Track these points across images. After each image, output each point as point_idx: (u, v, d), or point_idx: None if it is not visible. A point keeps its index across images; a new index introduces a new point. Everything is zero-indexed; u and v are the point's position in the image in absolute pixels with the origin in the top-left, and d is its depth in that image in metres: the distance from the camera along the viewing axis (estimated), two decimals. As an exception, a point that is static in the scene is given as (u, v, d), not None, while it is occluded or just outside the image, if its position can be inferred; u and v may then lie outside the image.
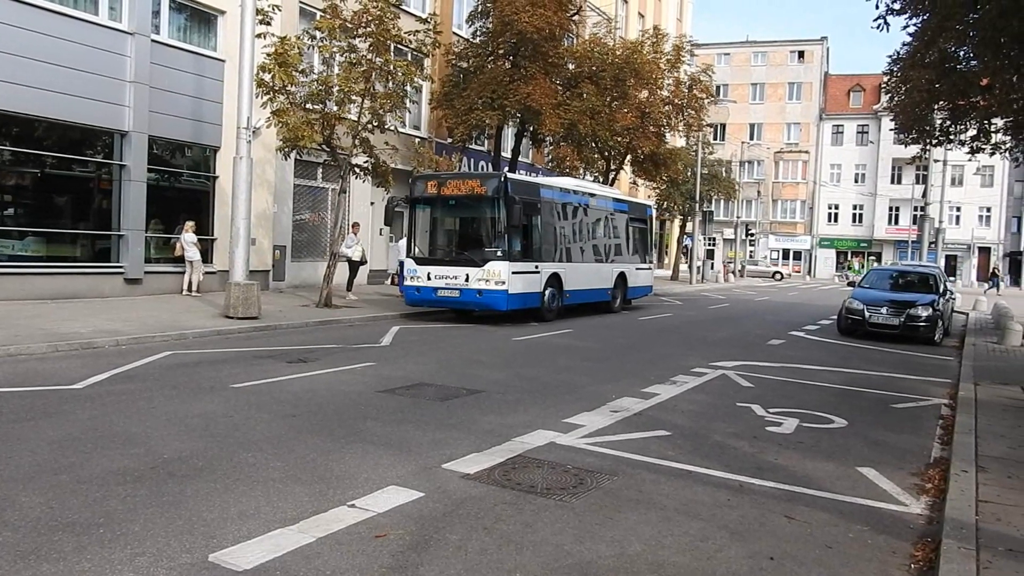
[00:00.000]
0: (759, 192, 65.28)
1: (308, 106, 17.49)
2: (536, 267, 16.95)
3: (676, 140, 38.75)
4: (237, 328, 13.30)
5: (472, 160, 28.39)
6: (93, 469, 5.49)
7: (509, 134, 28.26)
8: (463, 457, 6.17)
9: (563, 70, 25.61)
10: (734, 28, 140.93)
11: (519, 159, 27.33)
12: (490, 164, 26.75)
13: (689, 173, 41.02)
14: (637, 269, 22.91)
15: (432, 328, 15.54)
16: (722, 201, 56.82)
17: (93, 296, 16.58)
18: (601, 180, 31.73)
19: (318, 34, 18.11)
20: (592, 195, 20.57)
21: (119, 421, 6.91)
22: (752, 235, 62.53)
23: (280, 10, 17.73)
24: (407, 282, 16.72)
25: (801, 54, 70.09)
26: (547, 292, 17.35)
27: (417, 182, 17.12)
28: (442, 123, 25.92)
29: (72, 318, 13.12)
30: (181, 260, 18.19)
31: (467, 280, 15.87)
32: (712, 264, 53.89)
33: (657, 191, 41.39)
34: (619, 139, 27.75)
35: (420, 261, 16.63)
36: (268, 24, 16.15)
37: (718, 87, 55.82)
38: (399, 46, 20.13)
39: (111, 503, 4.85)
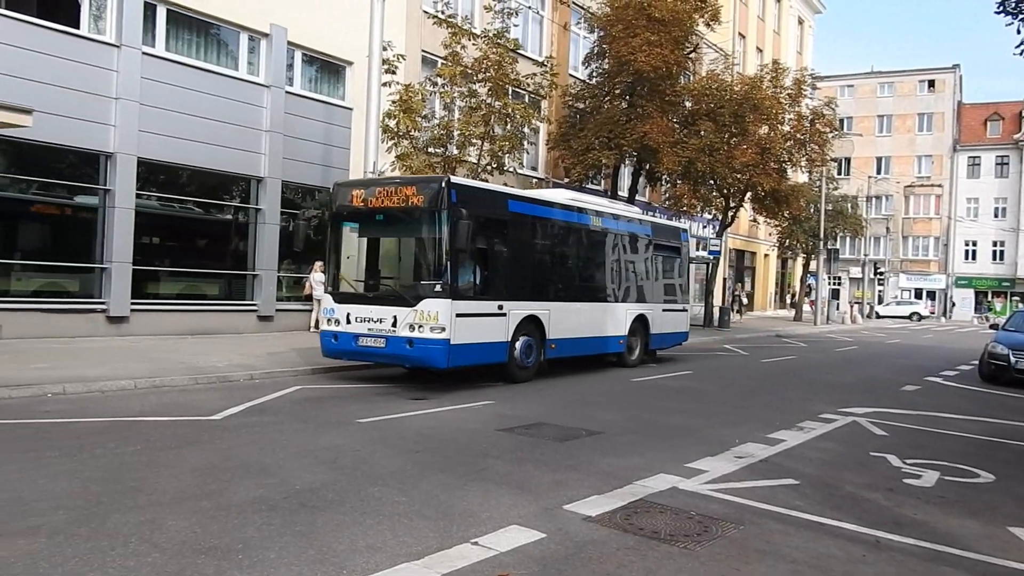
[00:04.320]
0: (888, 228, 62.36)
1: (430, 150, 18.10)
2: (500, 307, 12.32)
3: (798, 176, 37.69)
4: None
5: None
6: (231, 497, 5.77)
7: (626, 173, 28.27)
8: (584, 499, 6.13)
9: (680, 108, 25.52)
10: (858, 59, 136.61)
11: (636, 198, 27.25)
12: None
13: (812, 210, 39.73)
14: (665, 311, 17.71)
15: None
16: (848, 238, 54.59)
17: (228, 332, 17.55)
18: (720, 217, 31.22)
19: (439, 80, 18.80)
20: (597, 213, 15.54)
21: (254, 452, 7.25)
22: (881, 274, 59.65)
23: (404, 59, 18.53)
24: (323, 326, 12.39)
25: (931, 83, 67.03)
26: (519, 342, 12.74)
27: (339, 191, 12.70)
28: (559, 163, 26.22)
29: (210, 352, 13.91)
30: (309, 299, 19.01)
31: (394, 325, 11.41)
32: (838, 304, 51.73)
33: (779, 229, 40.26)
34: (738, 176, 27.27)
35: (339, 298, 12.24)
36: (393, 73, 16.90)
37: (842, 120, 54.19)
38: (517, 89, 20.59)
39: (248, 530, 5.08)
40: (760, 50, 44.64)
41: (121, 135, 15.82)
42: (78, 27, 15.48)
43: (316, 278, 18.78)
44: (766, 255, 48.81)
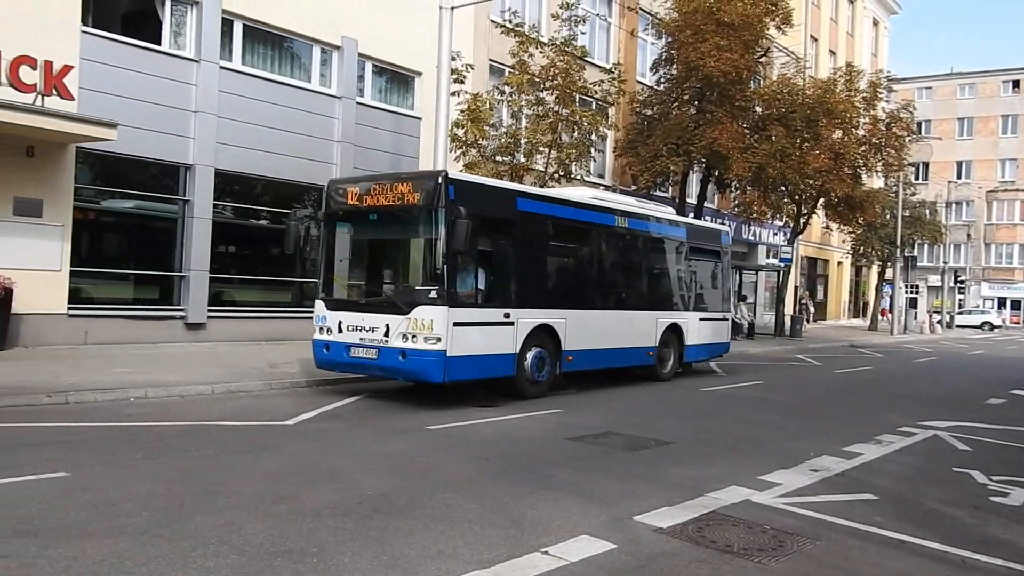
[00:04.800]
0: (969, 235, 60.05)
1: (498, 158, 18.21)
2: (506, 316, 11.22)
3: (873, 181, 36.65)
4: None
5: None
6: (306, 501, 5.88)
7: (694, 180, 27.93)
8: (655, 510, 6.05)
9: (750, 113, 25.12)
10: (936, 61, 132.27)
11: (704, 204, 26.90)
12: (675, 211, 26.45)
13: (888, 216, 38.56)
14: (702, 320, 16.19)
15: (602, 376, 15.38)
16: (926, 246, 52.82)
17: (301, 338, 17.83)
18: (791, 224, 30.58)
19: (507, 89, 18.90)
20: (622, 213, 14.14)
21: (326, 457, 7.39)
22: (962, 282, 57.45)
23: (472, 69, 18.71)
24: (315, 335, 11.49)
25: (1016, 84, 64.49)
26: (530, 354, 11.55)
27: (333, 190, 11.79)
28: (626, 170, 26.06)
29: (283, 359, 14.25)
30: None
31: (387, 334, 10.47)
32: (915, 314, 50.07)
33: (853, 236, 39.18)
34: (810, 182, 26.67)
35: (331, 304, 11.40)
36: (462, 82, 17.08)
37: (920, 123, 52.41)
38: (584, 97, 20.57)
39: (322, 534, 5.17)
40: (833, 53, 43.62)
41: (199, 147, 16.36)
42: (160, 43, 16.08)
43: None
44: (839, 263, 47.57)
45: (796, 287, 37.35)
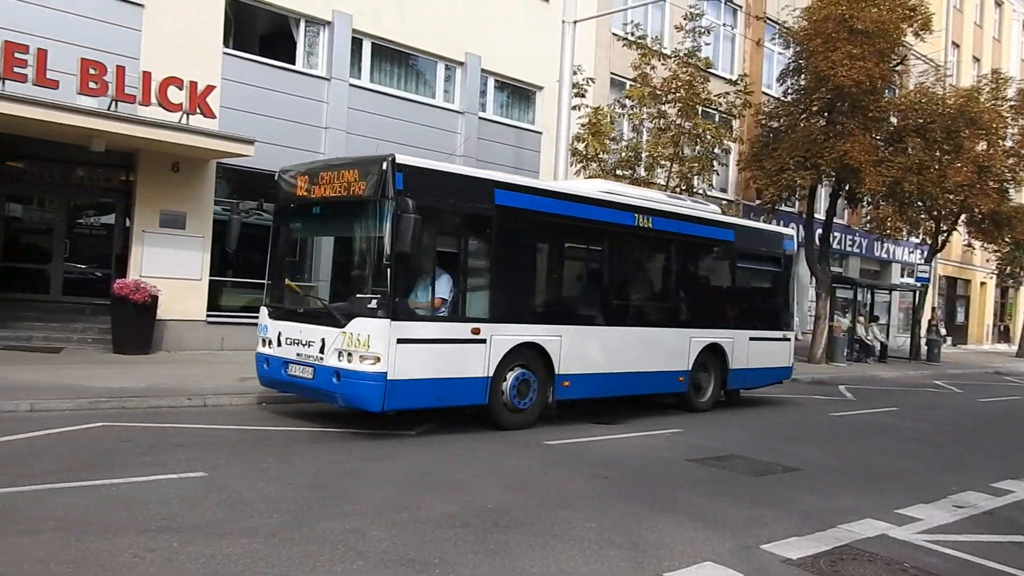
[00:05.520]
0: None
1: (618, 172, 18.06)
2: (475, 331, 9.23)
3: (1023, 196, 34.18)
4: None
5: (782, 223, 27.24)
6: (428, 511, 5.95)
7: (823, 194, 26.83)
8: (783, 540, 5.78)
9: (885, 124, 23.87)
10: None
11: (834, 220, 25.80)
12: (802, 227, 25.51)
13: (1039, 233, 35.81)
14: (754, 340, 13.39)
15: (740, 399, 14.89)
16: (1083, 264, 48.67)
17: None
18: (929, 242, 28.94)
19: (628, 102, 18.73)
20: (645, 211, 11.66)
21: (447, 468, 7.47)
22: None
23: (593, 82, 18.67)
24: (257, 347, 9.92)
25: None
26: (510, 376, 9.61)
27: (282, 178, 10.02)
28: (750, 184, 25.31)
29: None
30: None
31: (322, 350, 8.80)
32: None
33: (999, 255, 36.59)
34: (951, 197, 25.09)
35: (273, 312, 9.80)
36: (582, 96, 17.05)
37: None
38: (707, 109, 20.15)
39: (444, 545, 5.21)
40: (977, 59, 41.06)
41: (330, 162, 16.97)
42: (294, 63, 16.84)
43: None
44: (983, 283, 44.51)
45: (933, 308, 35.21)
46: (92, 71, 12.69)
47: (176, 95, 13.58)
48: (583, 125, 17.42)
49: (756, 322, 13.65)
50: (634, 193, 12.39)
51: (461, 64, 19.16)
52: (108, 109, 12.94)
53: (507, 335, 9.52)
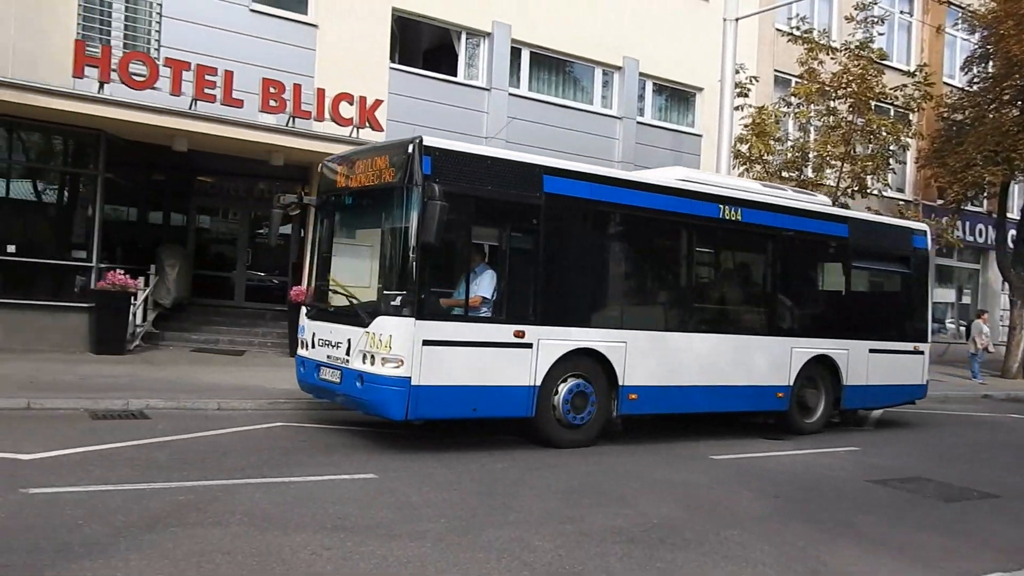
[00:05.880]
0: None
1: (784, 174, 17.29)
2: (520, 334, 8.28)
3: None
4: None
5: (968, 224, 25.19)
6: (592, 524, 5.85)
7: (1015, 191, 24.56)
8: (985, 575, 5.26)
9: (1089, 113, 21.52)
10: None
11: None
12: (991, 227, 23.43)
13: None
14: (875, 352, 11.49)
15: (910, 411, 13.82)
16: None
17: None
18: None
19: (794, 100, 17.91)
20: (734, 201, 10.19)
21: (610, 480, 7.35)
22: None
23: (756, 81, 17.98)
24: (299, 350, 9.33)
25: None
26: (561, 389, 8.59)
27: (325, 169, 9.44)
28: (931, 183, 23.54)
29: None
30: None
31: (348, 352, 8.13)
32: None
33: None
34: None
35: (310, 312, 9.21)
36: (745, 96, 16.45)
37: None
38: (882, 104, 18.91)
39: (610, 560, 5.10)
40: None
41: (489, 171, 17.27)
42: (455, 75, 17.29)
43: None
44: None
45: None
46: (272, 90, 13.54)
47: (347, 110, 14.24)
48: (746, 126, 16.81)
49: (878, 332, 11.76)
50: (720, 182, 11.01)
51: (619, 69, 19.00)
52: (287, 125, 13.77)
53: (558, 339, 8.50)
